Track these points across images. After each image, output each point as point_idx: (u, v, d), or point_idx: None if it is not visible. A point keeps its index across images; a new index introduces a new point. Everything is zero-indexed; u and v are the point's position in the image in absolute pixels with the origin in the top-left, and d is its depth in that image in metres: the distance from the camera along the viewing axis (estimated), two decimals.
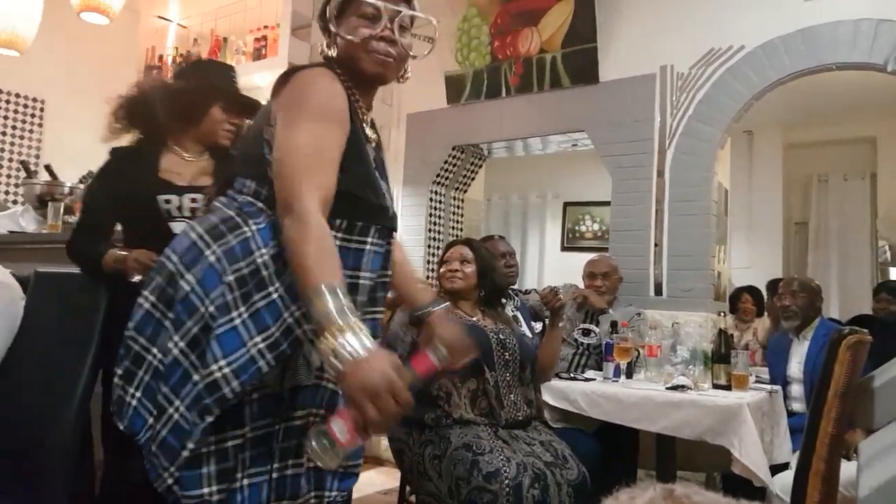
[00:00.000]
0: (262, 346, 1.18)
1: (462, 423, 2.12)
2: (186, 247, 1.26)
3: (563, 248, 7.34)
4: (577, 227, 7.32)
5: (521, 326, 2.48)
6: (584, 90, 4.18)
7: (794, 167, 6.47)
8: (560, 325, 2.48)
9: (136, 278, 1.82)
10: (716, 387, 2.76)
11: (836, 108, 5.58)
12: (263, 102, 1.91)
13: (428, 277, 4.71)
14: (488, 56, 4.46)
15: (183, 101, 2.00)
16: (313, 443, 1.02)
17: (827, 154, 6.54)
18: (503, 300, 2.53)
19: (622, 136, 4.05)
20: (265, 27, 4.70)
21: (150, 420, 1.23)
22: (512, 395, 2.22)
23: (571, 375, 2.98)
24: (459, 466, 2.00)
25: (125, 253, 1.88)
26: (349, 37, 1.35)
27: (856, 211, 6.38)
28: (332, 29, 1.37)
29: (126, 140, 2.11)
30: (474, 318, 2.35)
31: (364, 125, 1.40)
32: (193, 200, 1.94)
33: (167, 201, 1.93)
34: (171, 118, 2.01)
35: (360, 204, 1.32)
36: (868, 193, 6.37)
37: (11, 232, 3.14)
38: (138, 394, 1.26)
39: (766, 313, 4.80)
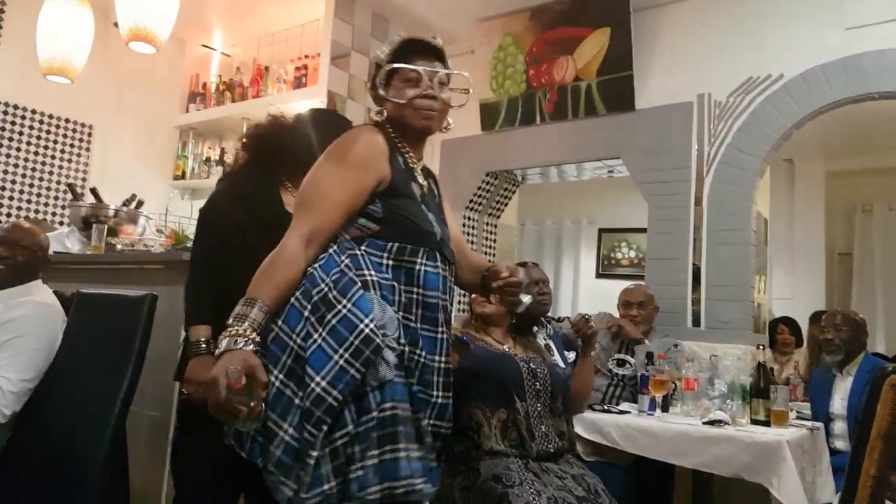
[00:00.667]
0: (346, 355, 1.38)
1: (492, 454, 2.10)
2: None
3: (599, 275, 7.26)
4: (612, 254, 7.24)
5: (553, 356, 2.45)
6: (619, 118, 4.16)
7: (836, 196, 6.33)
8: (593, 353, 2.45)
9: (187, 391, 1.89)
10: (754, 422, 2.69)
11: (880, 137, 5.46)
12: None
13: (459, 302, 4.71)
14: (523, 84, 4.48)
15: (311, 146, 2.02)
16: None
17: (871, 183, 6.39)
18: (535, 328, 2.50)
19: (659, 163, 4.02)
20: (306, 56, 4.79)
21: (263, 444, 1.40)
22: (543, 427, 2.19)
23: (605, 407, 2.94)
24: (489, 499, 1.97)
25: (204, 347, 1.87)
26: (397, 100, 1.60)
27: None
28: (382, 94, 1.62)
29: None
30: (505, 346, 2.33)
31: (414, 172, 1.65)
32: None
33: None
34: (294, 159, 2.01)
35: (406, 229, 1.54)
36: None
37: (57, 252, 3.23)
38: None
39: (805, 345, 4.68)
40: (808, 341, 4.60)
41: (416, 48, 1.63)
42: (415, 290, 1.53)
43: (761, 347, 2.99)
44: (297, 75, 4.78)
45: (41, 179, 4.86)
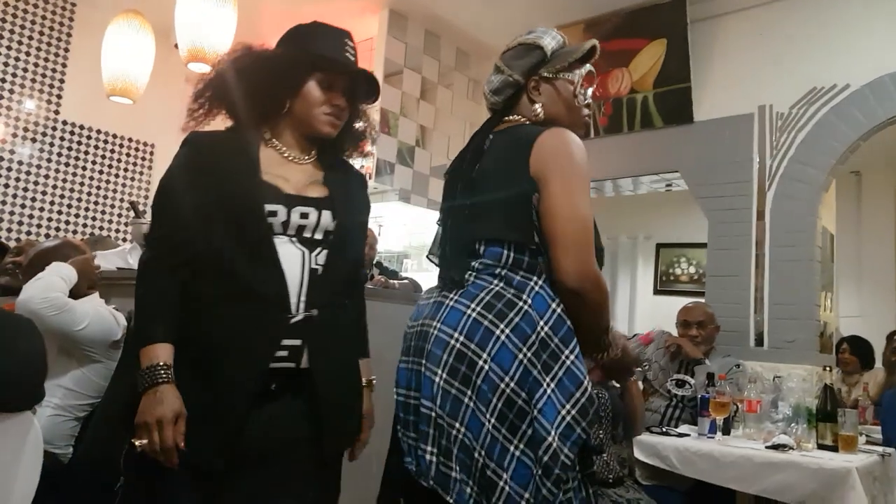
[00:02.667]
0: (574, 412, 1.27)
1: None
2: (468, 325, 1.32)
3: (657, 292, 7.10)
4: (671, 270, 7.08)
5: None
6: (677, 130, 4.08)
7: None
8: (633, 378, 2.37)
9: (139, 442, 1.27)
10: (821, 447, 2.57)
11: None
12: (380, 85, 1.62)
13: None
14: None
15: (274, 73, 1.47)
16: None
17: None
18: None
19: (719, 177, 3.91)
20: None
21: (471, 491, 1.27)
22: (605, 455, 2.13)
23: (664, 430, 2.85)
24: None
25: (164, 374, 1.29)
26: (585, 99, 1.53)
27: None
28: (573, 88, 1.51)
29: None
30: None
31: None
32: (304, 216, 1.42)
33: (272, 213, 1.38)
34: (262, 97, 1.48)
35: (597, 250, 1.42)
36: None
37: (119, 268, 3.31)
38: (457, 467, 1.28)
39: (882, 365, 4.47)
40: (885, 361, 4.39)
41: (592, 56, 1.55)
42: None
43: (828, 369, 2.86)
44: None
45: (105, 197, 5.03)
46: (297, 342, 1.36)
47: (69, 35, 4.90)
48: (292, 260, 1.38)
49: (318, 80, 1.47)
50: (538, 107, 1.49)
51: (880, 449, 2.76)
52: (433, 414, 1.31)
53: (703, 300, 3.74)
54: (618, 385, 2.39)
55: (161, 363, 1.30)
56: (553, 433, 1.24)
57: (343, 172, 1.57)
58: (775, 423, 2.70)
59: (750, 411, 2.78)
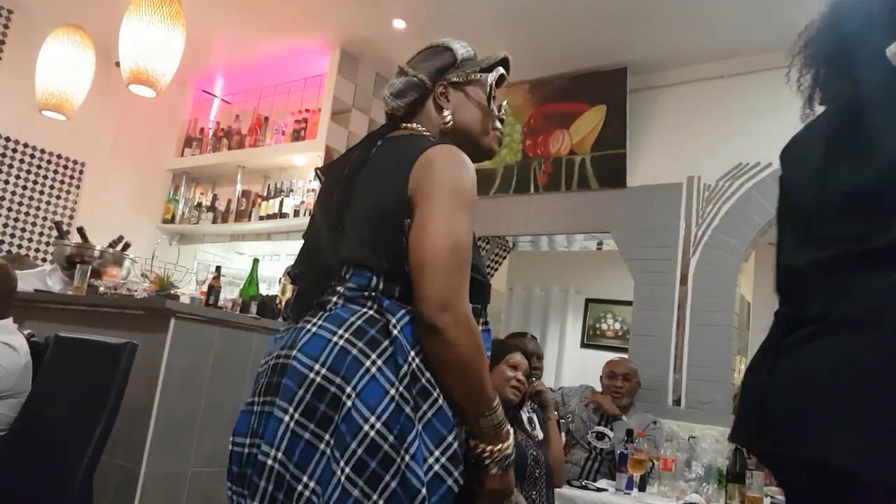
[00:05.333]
0: (443, 460, 1.07)
1: None
2: (333, 355, 1.11)
3: (584, 345, 7.24)
4: (598, 325, 7.24)
5: (535, 430, 2.43)
6: (611, 193, 4.23)
7: None
8: (559, 420, 2.42)
9: None
10: None
11: None
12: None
13: None
14: (519, 153, 4.56)
15: None
16: None
17: None
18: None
19: (647, 240, 4.07)
20: (306, 110, 4.85)
21: None
22: None
23: (583, 483, 2.90)
24: None
25: None
26: (500, 110, 1.39)
27: None
28: (486, 94, 1.37)
29: None
30: None
31: None
32: None
33: None
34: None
35: (479, 283, 1.22)
36: None
37: (37, 290, 3.17)
38: None
39: None
40: None
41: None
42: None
43: None
44: (296, 128, 4.83)
45: (27, 214, 4.82)
46: None
47: (2, 42, 4.74)
48: None
49: None
50: (447, 113, 1.33)
51: None
52: (269, 462, 1.10)
53: (626, 356, 3.85)
54: (539, 437, 2.43)
55: None
56: (424, 490, 1.04)
57: None
58: (688, 482, 2.79)
59: (665, 469, 2.87)
